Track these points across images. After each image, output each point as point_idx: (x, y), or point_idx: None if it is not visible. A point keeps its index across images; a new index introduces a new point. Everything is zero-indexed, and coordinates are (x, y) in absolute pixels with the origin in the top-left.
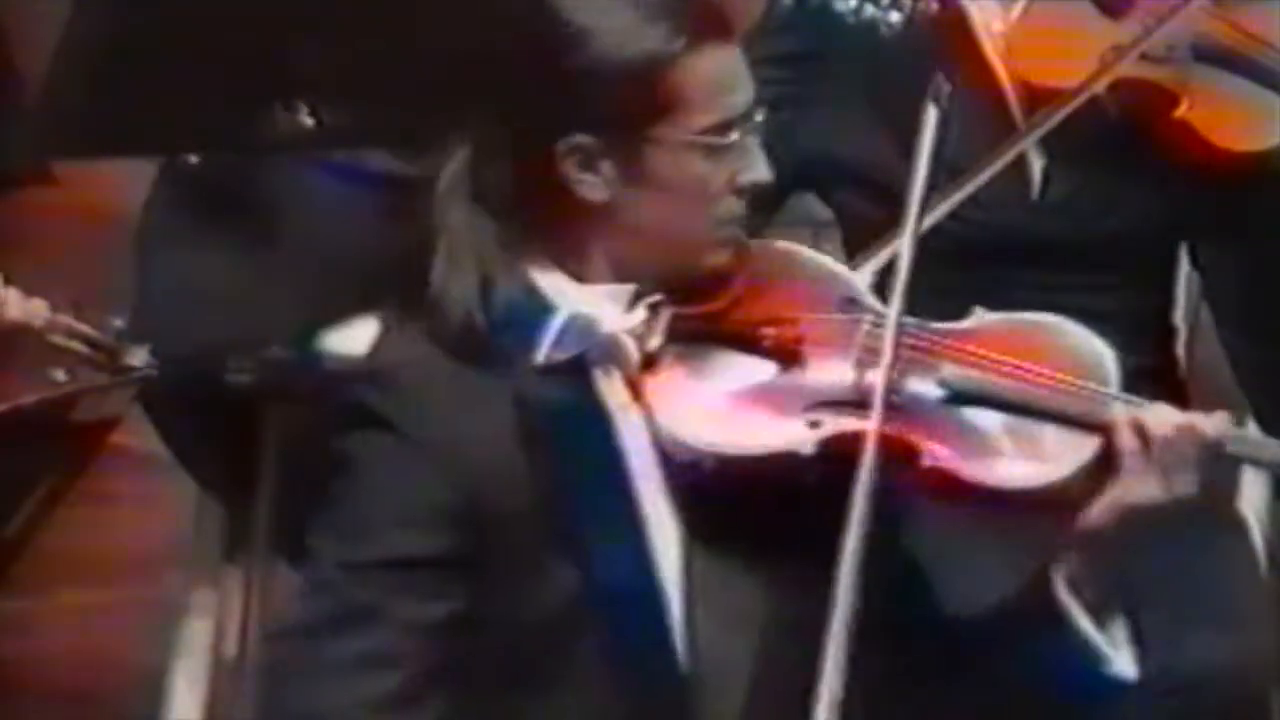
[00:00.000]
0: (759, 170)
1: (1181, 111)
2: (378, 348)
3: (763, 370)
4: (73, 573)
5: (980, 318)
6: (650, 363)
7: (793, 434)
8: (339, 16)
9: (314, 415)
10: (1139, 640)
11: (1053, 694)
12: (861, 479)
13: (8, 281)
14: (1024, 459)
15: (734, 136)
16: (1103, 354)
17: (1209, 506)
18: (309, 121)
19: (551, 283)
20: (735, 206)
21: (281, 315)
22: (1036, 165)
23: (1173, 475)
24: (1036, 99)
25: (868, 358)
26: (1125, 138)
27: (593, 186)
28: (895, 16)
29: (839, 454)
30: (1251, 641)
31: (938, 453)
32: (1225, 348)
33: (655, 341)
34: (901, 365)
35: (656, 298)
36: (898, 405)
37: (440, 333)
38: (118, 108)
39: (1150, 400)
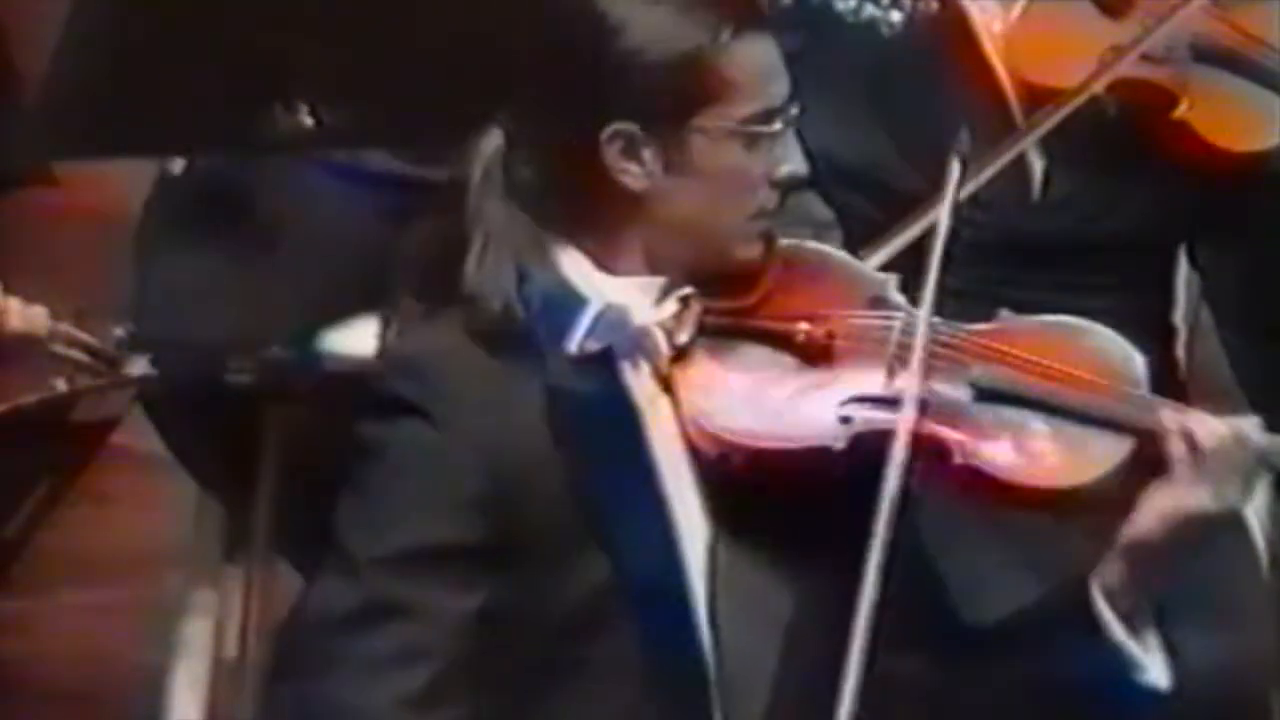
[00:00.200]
0: (795, 162)
1: (1180, 112)
2: (408, 339)
3: (793, 366)
4: (73, 573)
5: (1007, 319)
6: (680, 356)
7: (824, 429)
8: (339, 16)
9: (339, 406)
10: (1172, 649)
11: (1086, 702)
12: (890, 475)
13: (7, 288)
14: (1056, 459)
15: (777, 126)
16: (1131, 356)
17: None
18: (309, 121)
19: (584, 275)
20: (770, 199)
21: (281, 315)
22: (1037, 166)
23: (1223, 484)
24: (1036, 99)
25: (899, 355)
26: (1125, 138)
27: (634, 175)
28: (896, 16)
29: (870, 450)
30: (1251, 641)
31: (969, 450)
32: (1225, 348)
33: (685, 335)
34: (933, 364)
35: (687, 291)
36: (929, 403)
37: (477, 324)
38: (118, 108)
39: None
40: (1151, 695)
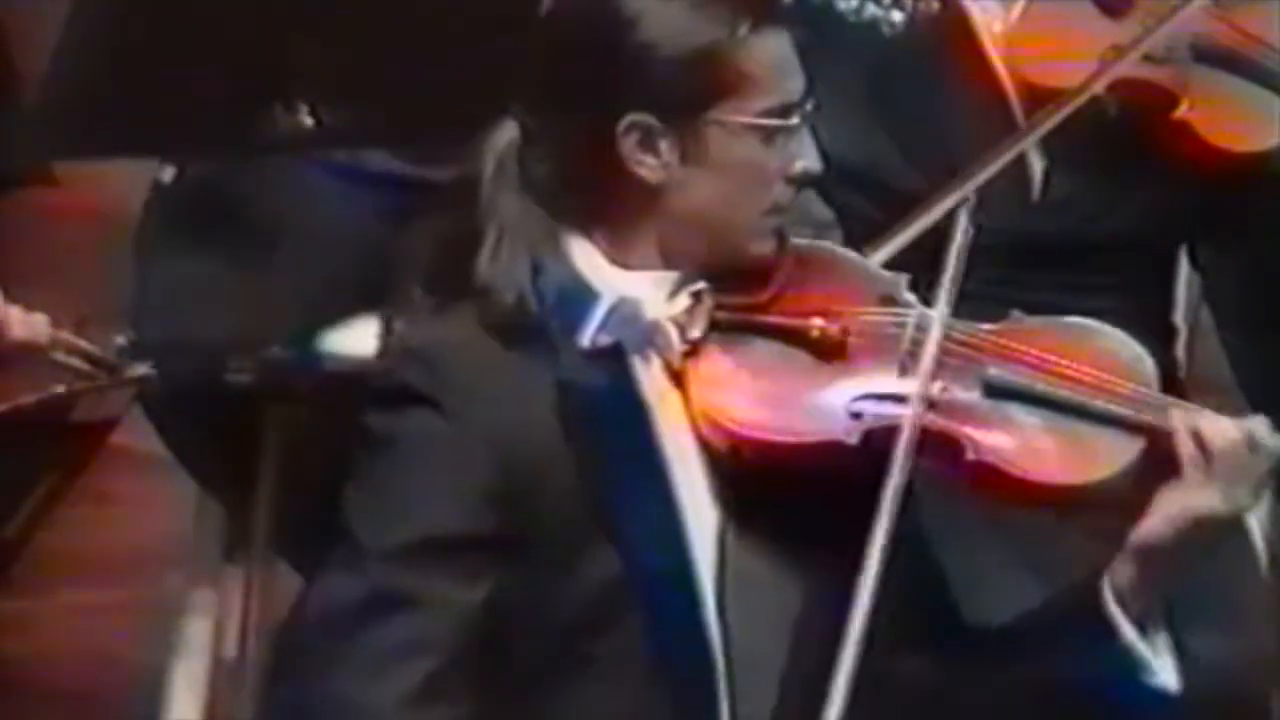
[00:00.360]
0: (810, 158)
1: (1181, 112)
2: (418, 330)
3: (806, 361)
4: (73, 573)
5: (1019, 318)
6: (692, 350)
7: (836, 423)
8: (339, 16)
9: (339, 406)
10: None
11: (1095, 704)
12: (894, 469)
13: (7, 290)
14: (1068, 456)
15: (794, 120)
16: (1142, 356)
17: None
18: (309, 121)
19: (597, 269)
20: (785, 194)
21: (281, 315)
22: (1037, 166)
23: (1234, 486)
24: (1037, 99)
25: (912, 352)
26: (1125, 138)
27: (650, 167)
28: (897, 16)
29: (881, 446)
30: (1251, 641)
31: (982, 446)
32: (1225, 348)
33: (697, 330)
34: (947, 361)
35: (700, 286)
36: (942, 400)
37: (490, 317)
38: (118, 108)
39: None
40: (1161, 697)
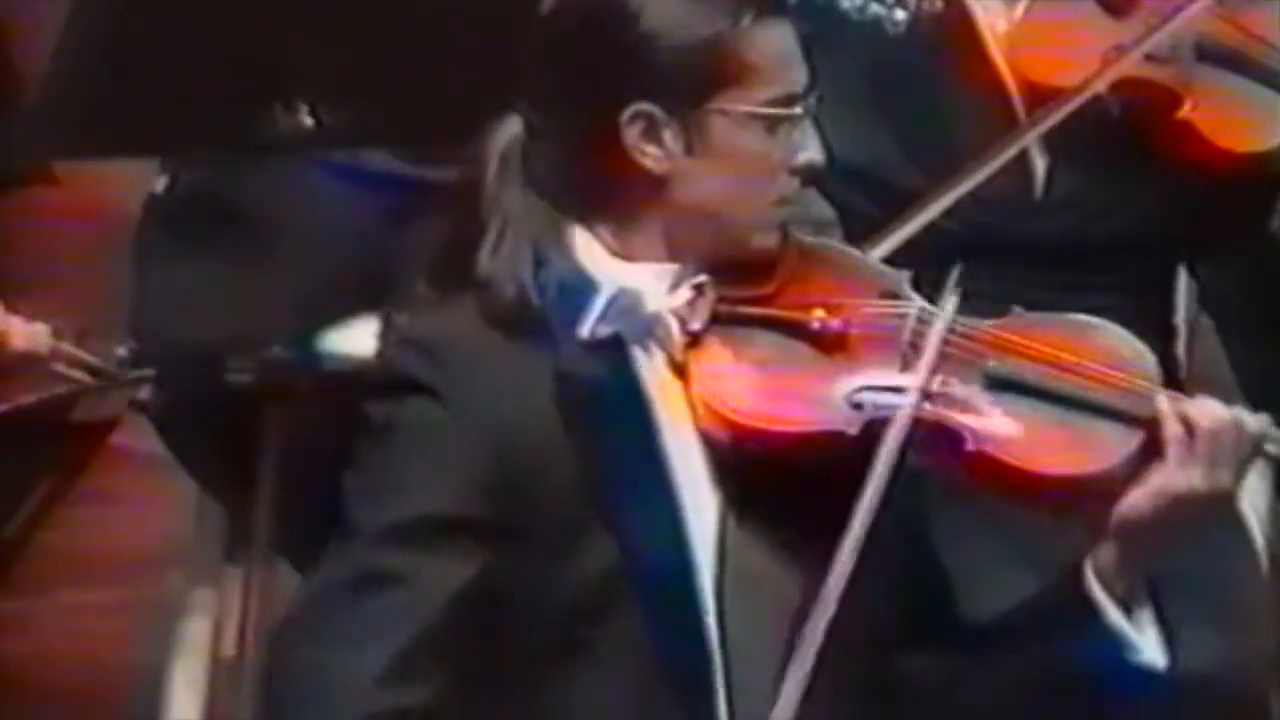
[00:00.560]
0: (814, 150)
1: (1184, 112)
2: (419, 321)
3: (808, 354)
4: (73, 573)
5: (1020, 314)
6: (694, 343)
7: (837, 415)
8: (339, 16)
9: (339, 407)
10: (1168, 629)
11: (1083, 684)
12: (881, 459)
13: (7, 297)
14: (1067, 448)
15: (798, 110)
16: (1142, 351)
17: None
18: (309, 121)
19: (600, 261)
20: (790, 186)
21: (281, 315)
22: (1040, 165)
23: (1215, 467)
24: (1040, 98)
25: (914, 344)
26: (1128, 138)
27: (655, 157)
28: (900, 15)
29: (882, 437)
30: (1251, 641)
31: (981, 437)
32: (1226, 349)
33: (699, 322)
34: (948, 353)
35: (702, 279)
36: (942, 392)
37: (490, 309)
38: (118, 108)
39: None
40: (1148, 676)
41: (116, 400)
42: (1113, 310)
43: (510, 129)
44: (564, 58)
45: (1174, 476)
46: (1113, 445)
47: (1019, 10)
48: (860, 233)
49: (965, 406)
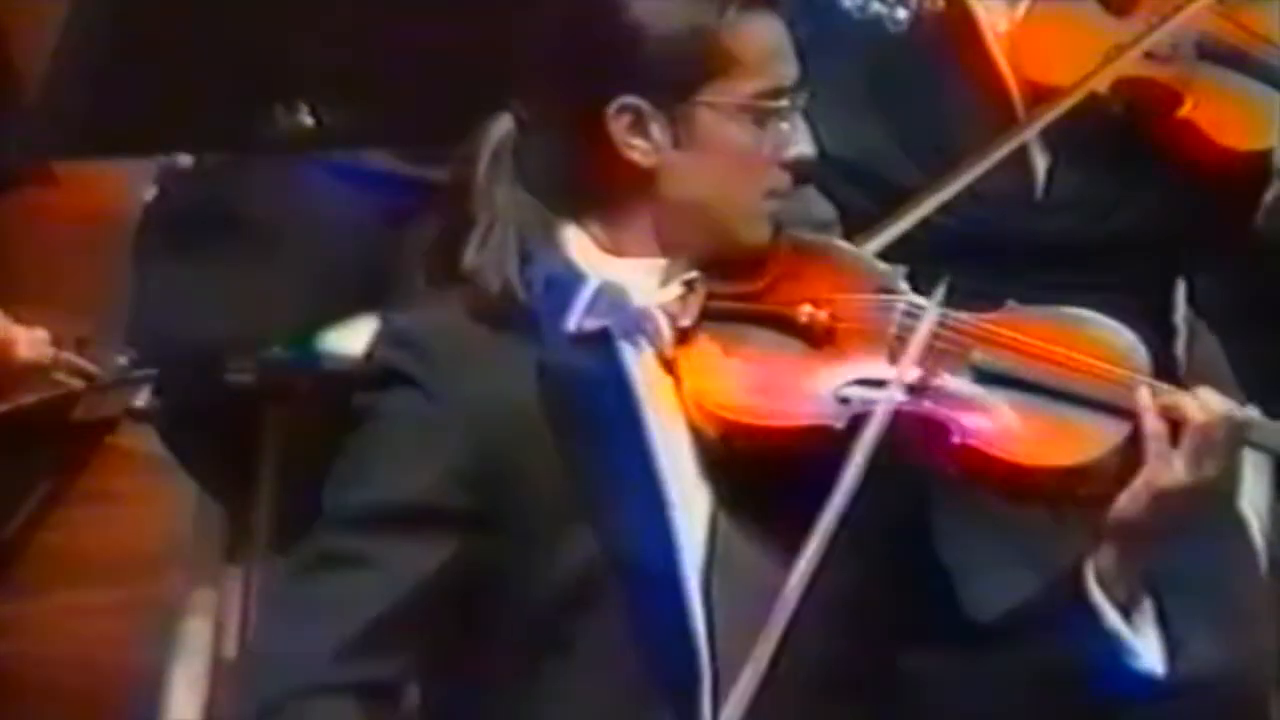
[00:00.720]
0: (803, 144)
1: (1186, 110)
2: (406, 314)
3: (798, 348)
4: (73, 573)
5: (1013, 308)
6: (684, 338)
7: (825, 409)
8: (339, 16)
9: (339, 406)
10: (1169, 635)
11: (1082, 688)
12: (859, 450)
13: (6, 297)
14: (1053, 439)
15: (783, 103)
16: (1134, 344)
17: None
18: (309, 121)
19: (589, 257)
20: (781, 180)
21: (281, 315)
22: (1040, 164)
23: (1200, 460)
24: (1041, 97)
25: (901, 338)
26: (1129, 137)
27: (642, 151)
28: (901, 14)
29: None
30: (1251, 641)
31: (967, 430)
32: (1225, 349)
33: (689, 318)
34: (935, 346)
35: (693, 274)
36: (929, 385)
37: (475, 303)
38: (118, 108)
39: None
40: (1147, 681)
41: (116, 400)
42: (1113, 309)
43: (502, 126)
44: (551, 50)
45: (1158, 472)
46: (1099, 436)
47: (1020, 9)
48: (859, 230)
49: (951, 399)
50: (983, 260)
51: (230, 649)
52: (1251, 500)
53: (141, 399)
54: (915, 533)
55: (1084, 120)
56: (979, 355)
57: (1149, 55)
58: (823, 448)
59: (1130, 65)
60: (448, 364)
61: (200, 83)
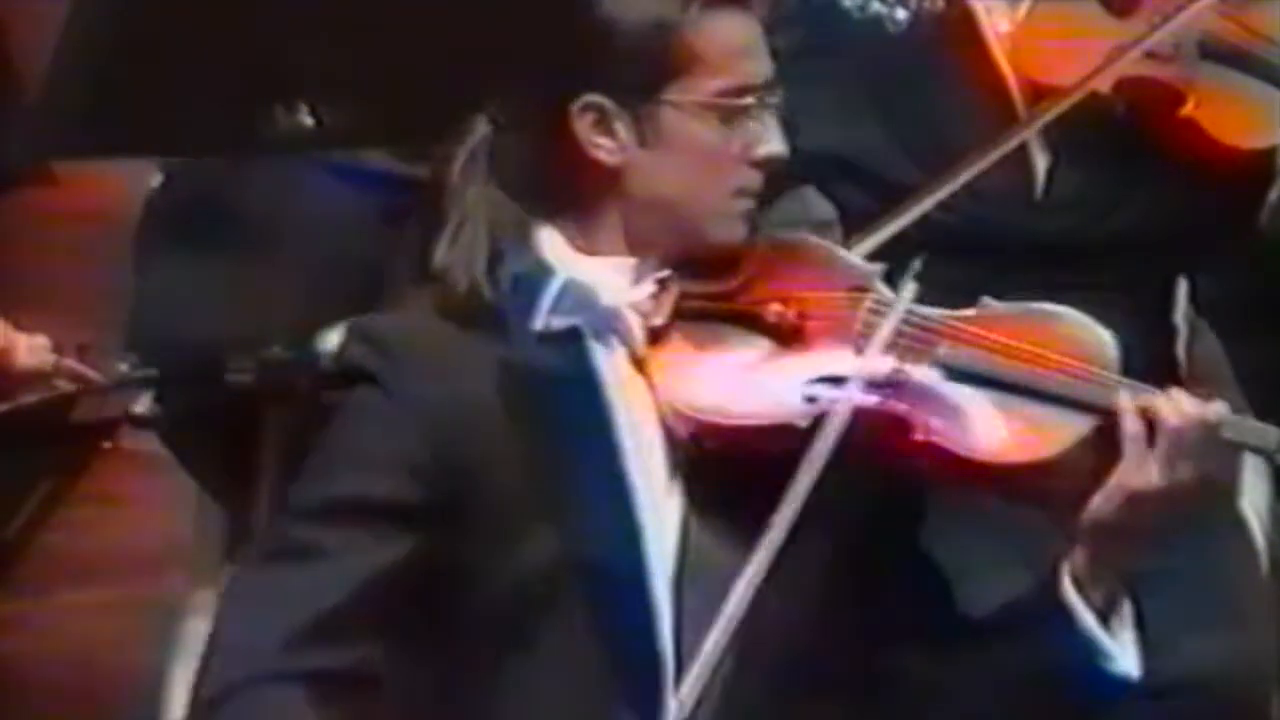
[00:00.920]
0: (774, 143)
1: (1188, 109)
2: (377, 314)
3: (767, 347)
4: (73, 573)
5: (987, 305)
6: (656, 338)
7: (791, 408)
8: (339, 16)
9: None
10: (1145, 639)
11: (1056, 691)
12: (820, 447)
13: (9, 317)
14: (1017, 435)
15: (748, 101)
16: (1106, 341)
17: (1213, 503)
18: (309, 121)
19: (562, 256)
20: (752, 179)
21: (281, 315)
22: (1040, 164)
23: (1175, 462)
24: (1042, 98)
25: (866, 335)
26: (1131, 137)
27: (608, 149)
28: (901, 14)
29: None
30: (1251, 641)
31: (931, 427)
32: (1226, 350)
33: (661, 317)
34: (901, 344)
35: (665, 273)
36: (895, 382)
37: (443, 301)
38: (118, 108)
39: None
40: (1123, 684)
41: (116, 401)
42: (1113, 308)
43: (481, 126)
44: (517, 49)
45: (1131, 475)
46: (1062, 431)
47: (1021, 9)
48: (859, 230)
49: (915, 396)
50: (982, 259)
51: None
52: (1251, 500)
53: (142, 405)
54: (890, 530)
55: (1085, 120)
56: (944, 352)
57: (1151, 55)
58: (791, 447)
59: (1132, 65)
60: (410, 362)
61: (200, 83)
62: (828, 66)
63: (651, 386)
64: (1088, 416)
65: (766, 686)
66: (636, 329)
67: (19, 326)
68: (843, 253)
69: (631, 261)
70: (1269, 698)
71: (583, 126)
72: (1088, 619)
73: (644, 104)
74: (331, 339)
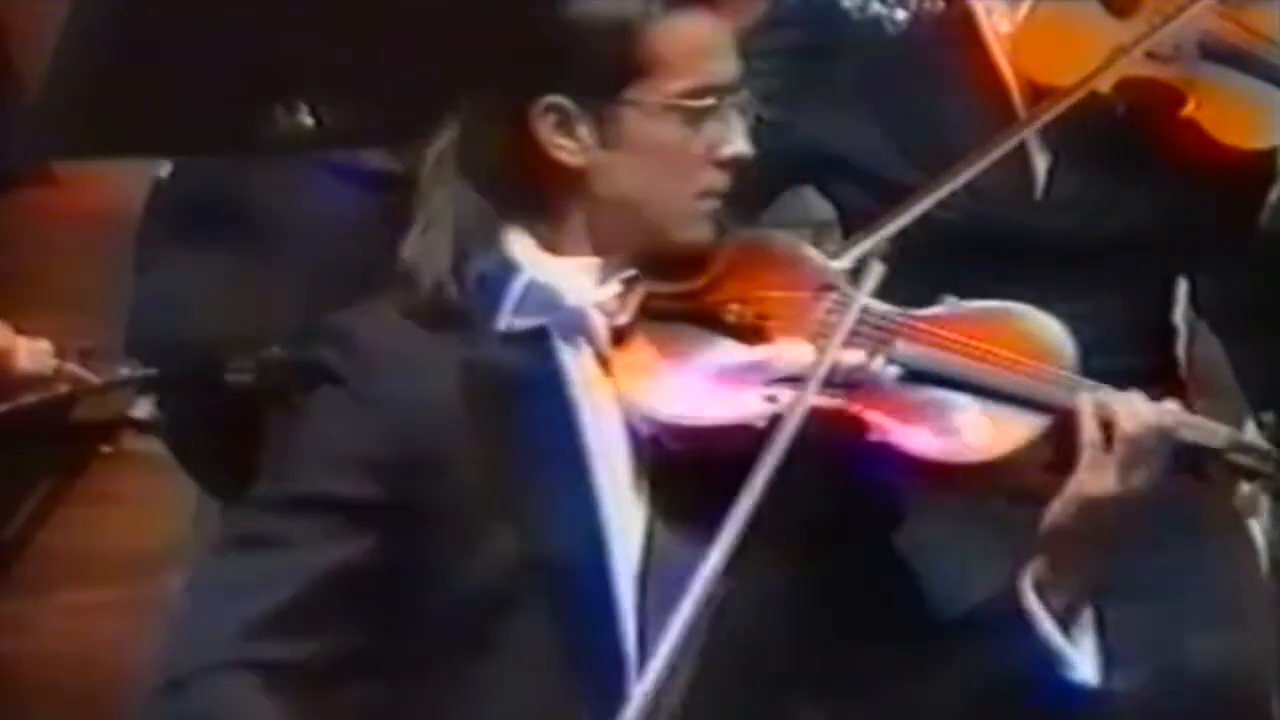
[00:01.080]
0: (738, 143)
1: (1189, 110)
2: (344, 313)
3: (729, 347)
4: (73, 573)
5: (949, 304)
6: (621, 338)
7: (748, 408)
8: (339, 16)
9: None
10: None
11: (1016, 697)
12: (775, 447)
13: (11, 320)
14: (970, 435)
15: (710, 101)
16: (1063, 341)
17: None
18: (309, 121)
19: (529, 255)
20: (717, 180)
21: (281, 315)
22: (1040, 164)
23: (1131, 468)
24: (1042, 98)
25: (824, 335)
26: (1131, 137)
27: (570, 151)
28: (901, 14)
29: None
30: (1251, 642)
31: (885, 427)
32: (1226, 350)
33: (625, 316)
34: (857, 343)
35: (631, 273)
36: (852, 382)
37: (407, 302)
38: (118, 108)
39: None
40: (1081, 691)
41: (116, 401)
42: (1111, 309)
43: (453, 125)
44: (480, 50)
45: (1087, 481)
46: (1014, 430)
47: (1022, 10)
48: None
49: (871, 397)
50: (982, 259)
51: None
52: (1251, 501)
53: (144, 409)
54: (856, 528)
55: (1085, 120)
56: (901, 351)
57: (1151, 55)
58: (751, 447)
59: (1132, 65)
60: (373, 361)
61: (200, 83)
62: (827, 67)
63: (616, 386)
64: (1041, 416)
65: (729, 684)
66: (601, 329)
67: (19, 327)
68: (809, 252)
69: (597, 261)
70: (1269, 698)
71: (544, 128)
72: (1047, 626)
73: (606, 105)
74: None
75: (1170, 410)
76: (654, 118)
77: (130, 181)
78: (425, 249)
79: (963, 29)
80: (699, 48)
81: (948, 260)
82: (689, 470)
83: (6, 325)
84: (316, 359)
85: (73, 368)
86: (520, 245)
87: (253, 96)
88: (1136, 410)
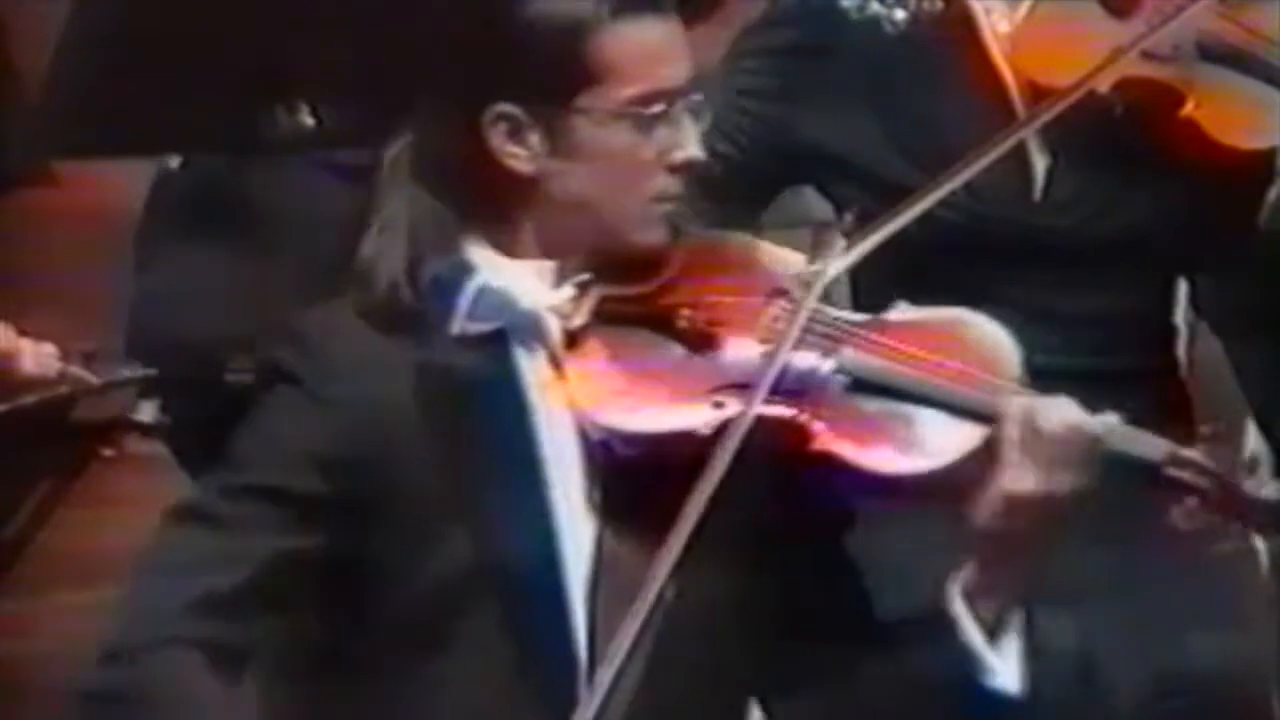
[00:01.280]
0: (690, 148)
1: (1188, 110)
2: (304, 314)
3: (677, 352)
4: (73, 573)
5: (898, 310)
6: (574, 341)
7: (694, 415)
8: (339, 16)
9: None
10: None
11: (939, 701)
12: (721, 455)
13: (6, 298)
14: (914, 446)
15: (659, 108)
16: (1007, 348)
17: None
18: (309, 121)
19: (481, 259)
20: (670, 184)
21: (281, 314)
22: (1040, 164)
23: (1052, 469)
24: (1042, 98)
25: (771, 341)
26: (1131, 138)
27: (520, 158)
28: (900, 14)
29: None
30: (1251, 642)
31: (827, 437)
32: (1227, 350)
33: (579, 320)
34: (804, 351)
35: (585, 276)
36: (799, 390)
37: (363, 303)
38: (118, 108)
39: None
40: (1002, 699)
41: (117, 402)
42: (1111, 310)
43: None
44: (431, 57)
45: (1007, 482)
46: (951, 442)
47: (1021, 10)
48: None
49: (816, 406)
50: (982, 259)
51: None
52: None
53: (146, 413)
54: (803, 532)
55: (1085, 120)
56: (846, 356)
57: (1150, 55)
58: (698, 453)
59: (1131, 65)
60: (326, 360)
61: (200, 83)
62: (826, 67)
63: (568, 390)
64: (978, 426)
65: (677, 684)
66: (555, 332)
67: (20, 328)
68: (766, 254)
69: (552, 265)
70: (1269, 698)
71: (495, 136)
72: (970, 632)
73: (556, 113)
74: None
75: (1105, 420)
76: (605, 125)
77: (130, 181)
78: (380, 250)
79: (962, 29)
80: (649, 53)
81: (947, 260)
82: (639, 474)
83: (7, 326)
84: (274, 358)
85: (76, 370)
86: (477, 249)
87: (253, 96)
88: (1062, 413)
